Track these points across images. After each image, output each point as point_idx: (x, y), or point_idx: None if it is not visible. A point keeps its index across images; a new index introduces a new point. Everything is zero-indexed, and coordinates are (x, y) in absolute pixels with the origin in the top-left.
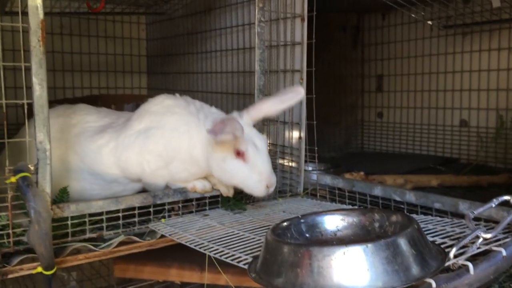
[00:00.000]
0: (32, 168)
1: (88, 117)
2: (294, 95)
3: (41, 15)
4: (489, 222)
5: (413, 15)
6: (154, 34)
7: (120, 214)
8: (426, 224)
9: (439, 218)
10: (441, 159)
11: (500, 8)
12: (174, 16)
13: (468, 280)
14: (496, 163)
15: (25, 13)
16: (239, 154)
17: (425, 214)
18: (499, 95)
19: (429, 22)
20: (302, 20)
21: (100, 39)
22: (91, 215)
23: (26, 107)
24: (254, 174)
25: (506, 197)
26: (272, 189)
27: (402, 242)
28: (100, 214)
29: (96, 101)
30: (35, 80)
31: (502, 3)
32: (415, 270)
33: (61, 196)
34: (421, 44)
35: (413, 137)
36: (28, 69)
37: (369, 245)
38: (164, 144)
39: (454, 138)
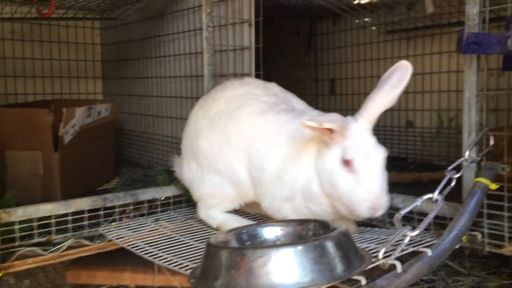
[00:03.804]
0: None
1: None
2: (403, 72)
3: None
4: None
5: (356, 21)
6: (108, 39)
7: (70, 218)
8: (365, 233)
9: (378, 229)
10: (389, 159)
11: (439, 14)
12: (127, 21)
13: (405, 278)
14: (439, 161)
15: None
16: (346, 163)
17: None
18: (441, 96)
19: (373, 28)
20: (250, 25)
21: (53, 44)
22: (39, 219)
23: None
24: (359, 188)
25: (429, 195)
26: (379, 213)
27: (329, 245)
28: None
29: (49, 105)
30: None
31: (436, 9)
32: (340, 269)
33: (8, 202)
34: (370, 49)
35: None
36: None
37: (299, 247)
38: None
39: (401, 138)
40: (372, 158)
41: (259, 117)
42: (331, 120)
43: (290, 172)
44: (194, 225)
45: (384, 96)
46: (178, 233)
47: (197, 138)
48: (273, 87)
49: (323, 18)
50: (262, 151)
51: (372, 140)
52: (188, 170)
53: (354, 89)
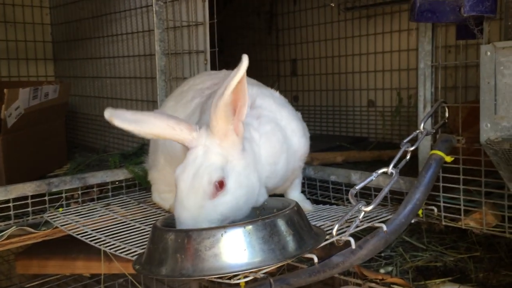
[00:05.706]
0: None
1: None
2: (237, 68)
3: None
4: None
5: None
6: (58, 18)
7: (11, 204)
8: (322, 211)
9: (335, 207)
10: (351, 139)
11: None
12: None
13: (360, 255)
14: (400, 139)
15: None
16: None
17: (323, 187)
18: (401, 75)
19: (332, 4)
20: (203, 0)
21: None
22: None
23: None
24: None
25: (384, 169)
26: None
27: (280, 223)
28: None
29: None
30: None
31: None
32: (291, 248)
33: None
34: (330, 28)
35: (326, 118)
36: None
37: (247, 226)
38: None
39: (363, 118)
40: (184, 183)
41: (187, 104)
42: (164, 128)
43: None
44: (147, 209)
45: (222, 97)
46: (129, 218)
47: None
48: (220, 72)
49: None
50: None
51: (206, 162)
52: (150, 160)
53: (316, 70)
